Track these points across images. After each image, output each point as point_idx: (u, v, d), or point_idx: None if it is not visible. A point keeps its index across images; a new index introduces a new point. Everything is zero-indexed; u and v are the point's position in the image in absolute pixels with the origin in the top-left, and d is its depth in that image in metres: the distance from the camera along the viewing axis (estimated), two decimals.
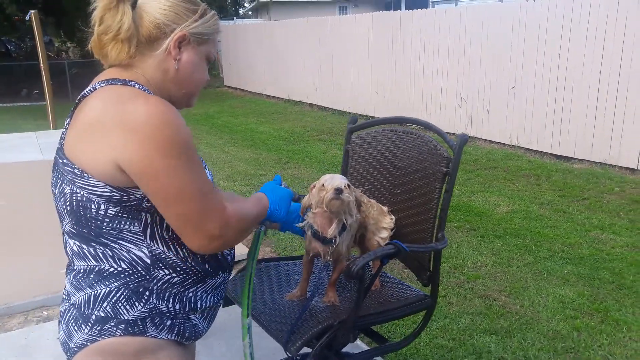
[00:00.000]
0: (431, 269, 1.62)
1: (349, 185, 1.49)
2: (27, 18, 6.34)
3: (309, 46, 10.59)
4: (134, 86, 1.12)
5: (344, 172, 2.02)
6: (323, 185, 1.50)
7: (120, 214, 1.09)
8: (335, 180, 1.49)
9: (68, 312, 1.16)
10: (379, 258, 1.46)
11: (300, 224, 1.56)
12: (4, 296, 3.02)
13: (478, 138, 7.17)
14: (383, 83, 8.74)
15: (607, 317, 2.79)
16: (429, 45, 7.72)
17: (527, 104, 6.46)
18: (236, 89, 14.08)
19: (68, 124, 1.14)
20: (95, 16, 1.12)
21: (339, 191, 1.46)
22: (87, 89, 1.13)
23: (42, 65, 8.71)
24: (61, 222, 1.17)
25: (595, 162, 5.75)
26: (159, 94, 1.16)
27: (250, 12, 30.65)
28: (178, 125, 1.05)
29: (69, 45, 18.59)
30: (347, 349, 1.77)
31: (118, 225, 1.10)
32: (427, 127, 1.72)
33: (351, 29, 9.31)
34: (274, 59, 11.87)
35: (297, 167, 6.10)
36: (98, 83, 1.13)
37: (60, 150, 1.12)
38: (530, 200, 4.69)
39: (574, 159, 5.96)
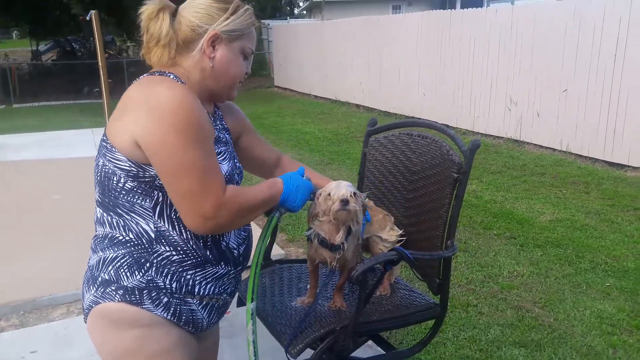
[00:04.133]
0: (440, 277, 1.58)
1: (354, 194, 1.46)
2: (87, 18, 6.63)
3: (357, 46, 10.56)
4: (169, 76, 1.24)
5: (361, 176, 1.99)
6: (329, 194, 1.47)
7: (135, 189, 1.20)
8: (341, 189, 1.46)
9: (86, 273, 1.29)
10: (381, 264, 1.44)
11: (307, 233, 1.55)
12: (48, 287, 3.16)
13: (527, 142, 6.92)
14: (431, 84, 8.60)
15: None
16: (478, 45, 7.53)
17: (579, 108, 6.18)
18: (285, 89, 14.22)
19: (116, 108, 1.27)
20: (143, 26, 1.27)
21: (345, 202, 1.43)
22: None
23: (100, 63, 9.09)
24: (95, 188, 1.29)
25: None
26: (200, 90, 1.29)
27: (304, 12, 30.89)
28: (193, 110, 1.15)
29: (129, 44, 19.32)
30: (359, 353, 1.75)
31: (132, 199, 1.21)
32: (442, 131, 1.67)
33: (401, 29, 9.21)
34: (322, 59, 11.91)
35: (337, 169, 6.09)
36: (144, 75, 1.26)
37: (104, 133, 1.25)
38: (576, 209, 4.48)
39: (628, 166, 5.65)
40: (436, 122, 1.71)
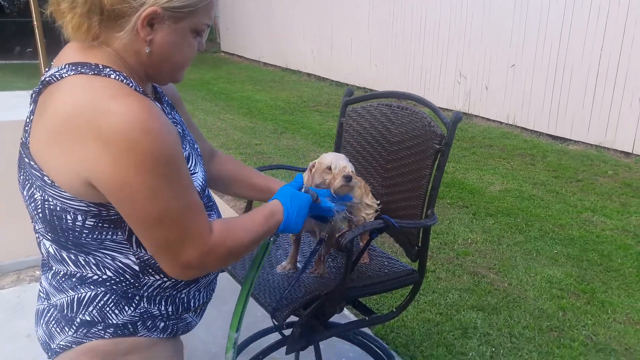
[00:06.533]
0: (419, 244, 1.63)
1: (353, 171, 1.46)
2: None
3: (308, 13, 10.42)
4: (109, 76, 0.94)
5: (338, 146, 2.00)
6: (329, 168, 1.44)
7: (100, 225, 0.97)
8: (340, 162, 1.43)
9: (48, 312, 1.07)
10: (368, 232, 1.47)
11: None
12: None
13: (475, 115, 7.14)
14: (382, 56, 8.64)
15: (593, 298, 2.82)
16: (430, 18, 7.61)
17: (526, 82, 6.42)
18: (233, 54, 13.89)
19: (32, 112, 0.98)
20: None
21: (348, 179, 1.40)
22: (51, 73, 0.96)
23: (35, 22, 8.52)
24: (32, 222, 1.05)
25: (591, 145, 5.75)
26: (136, 76, 1.01)
27: None
28: (161, 136, 0.89)
29: None
30: (335, 319, 1.79)
31: (99, 236, 0.98)
32: (423, 103, 1.70)
33: None
34: (272, 25, 11.69)
35: (292, 138, 6.07)
36: (65, 68, 0.94)
37: (25, 147, 0.97)
38: (524, 180, 4.70)
39: (570, 140, 5.95)
40: (416, 94, 1.73)
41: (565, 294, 2.87)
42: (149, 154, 0.87)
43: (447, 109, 7.56)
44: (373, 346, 2.01)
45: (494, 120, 6.90)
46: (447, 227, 3.71)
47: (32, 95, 1.00)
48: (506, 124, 6.71)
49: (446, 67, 7.49)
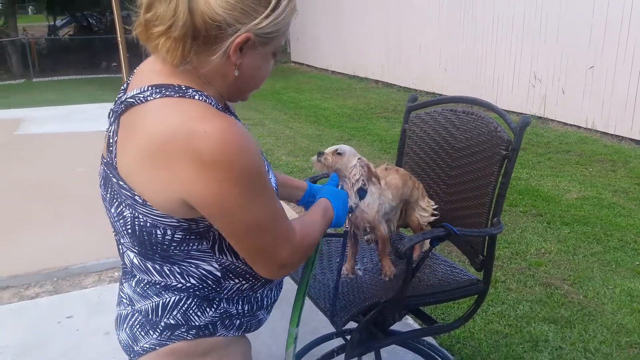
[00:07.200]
0: (484, 254, 1.58)
1: (339, 153, 1.57)
2: None
3: (376, 19, 10.41)
4: (193, 97, 0.96)
5: (401, 152, 1.99)
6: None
7: (188, 237, 1.02)
8: (334, 147, 1.59)
9: (132, 317, 1.12)
10: (429, 239, 1.45)
11: None
12: (80, 256, 3.27)
13: (551, 120, 6.83)
14: (452, 59, 8.47)
15: None
16: (502, 19, 7.38)
17: (606, 84, 6.07)
18: (302, 64, 14.12)
19: (115, 131, 1.01)
20: None
21: (320, 154, 1.55)
22: (134, 94, 0.98)
23: (119, 38, 9.09)
24: (117, 235, 1.10)
25: None
26: (216, 96, 1.04)
27: None
28: (253, 153, 0.94)
29: None
30: (396, 327, 1.77)
31: (186, 247, 1.03)
32: (489, 107, 1.66)
33: (421, 1, 9.05)
34: (340, 33, 11.77)
35: (358, 145, 6.07)
36: (149, 90, 0.97)
37: (112, 167, 1.00)
38: (603, 187, 4.44)
39: None
40: (481, 99, 1.69)
41: None
42: (244, 171, 0.92)
43: (521, 114, 7.29)
44: (436, 356, 1.97)
45: (571, 125, 6.57)
46: (520, 236, 3.57)
47: (112, 113, 1.04)
48: (584, 128, 6.38)
49: (520, 70, 7.23)
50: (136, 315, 1.11)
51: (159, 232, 0.99)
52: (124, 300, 1.15)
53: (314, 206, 1.25)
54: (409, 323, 2.49)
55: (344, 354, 1.59)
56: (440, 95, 8.65)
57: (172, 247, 1.02)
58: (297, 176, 4.39)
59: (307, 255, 1.12)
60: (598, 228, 3.65)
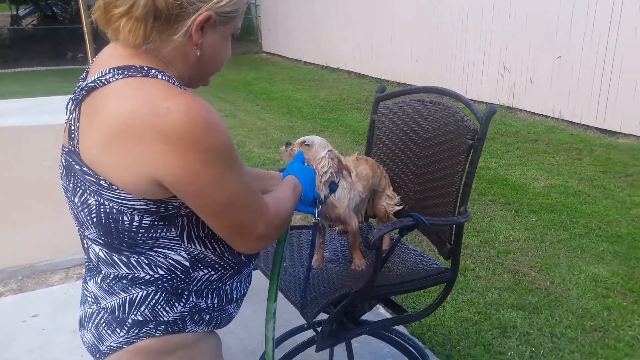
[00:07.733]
0: (452, 242, 1.60)
1: (307, 144, 1.58)
2: None
3: (348, 10, 10.38)
4: (156, 76, 0.96)
5: (370, 143, 2.00)
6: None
7: (156, 223, 1.00)
8: (303, 138, 1.60)
9: (97, 315, 1.09)
10: (398, 229, 1.45)
11: None
12: (47, 253, 3.19)
13: (520, 109, 6.95)
14: (423, 51, 8.52)
15: None
16: (471, 10, 7.45)
17: (572, 74, 6.19)
18: (274, 55, 14.01)
19: (76, 118, 1.00)
20: None
21: (287, 144, 1.57)
22: (95, 78, 0.97)
23: (85, 28, 8.86)
24: (81, 228, 1.06)
25: None
26: (178, 77, 1.04)
27: None
28: (220, 128, 0.93)
29: None
30: (368, 317, 1.78)
31: (154, 234, 1.01)
32: (456, 97, 1.67)
33: None
34: (312, 23, 11.72)
35: (331, 136, 6.07)
36: (111, 72, 0.96)
37: (74, 154, 0.98)
38: (569, 175, 4.55)
39: (620, 133, 5.71)
40: (449, 89, 1.70)
41: (611, 293, 2.76)
42: (212, 146, 0.91)
43: (490, 104, 7.38)
44: (407, 345, 1.99)
45: (539, 114, 6.69)
46: (488, 224, 3.63)
47: (72, 102, 1.02)
48: (552, 117, 6.50)
49: (489, 60, 7.32)
50: (102, 313, 1.07)
51: (125, 218, 0.97)
52: (89, 299, 1.12)
53: (282, 183, 1.26)
54: (380, 313, 2.51)
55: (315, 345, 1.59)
56: (412, 86, 8.70)
57: (139, 235, 0.99)
58: (270, 168, 4.37)
59: (282, 229, 1.13)
60: (564, 215, 3.73)
